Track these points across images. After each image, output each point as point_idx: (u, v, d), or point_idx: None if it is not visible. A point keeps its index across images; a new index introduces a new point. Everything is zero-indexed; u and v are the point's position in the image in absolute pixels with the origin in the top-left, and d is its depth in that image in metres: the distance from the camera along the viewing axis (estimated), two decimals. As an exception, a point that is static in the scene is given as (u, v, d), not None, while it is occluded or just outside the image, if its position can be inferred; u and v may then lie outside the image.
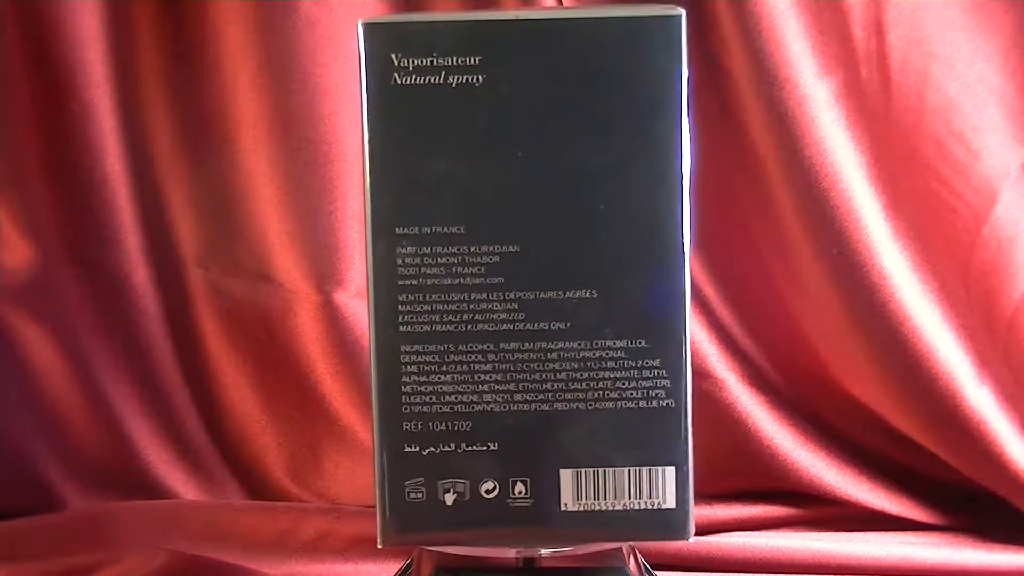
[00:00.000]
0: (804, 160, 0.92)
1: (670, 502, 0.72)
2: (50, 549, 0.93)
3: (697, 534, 0.91)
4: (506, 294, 0.70)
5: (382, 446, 0.71)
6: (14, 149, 0.98)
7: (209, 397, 1.01)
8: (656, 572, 0.79)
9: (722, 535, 0.92)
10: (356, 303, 0.97)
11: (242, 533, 0.94)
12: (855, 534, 0.94)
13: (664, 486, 0.72)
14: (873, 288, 0.92)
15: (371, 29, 0.68)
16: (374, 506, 0.78)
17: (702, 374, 0.96)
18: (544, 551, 0.74)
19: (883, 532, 0.95)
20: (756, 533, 0.94)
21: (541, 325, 0.71)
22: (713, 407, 0.96)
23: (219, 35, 0.97)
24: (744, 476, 0.96)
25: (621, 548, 0.75)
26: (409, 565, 0.78)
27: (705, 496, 0.97)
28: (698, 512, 0.95)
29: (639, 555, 0.77)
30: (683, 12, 0.70)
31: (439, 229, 0.69)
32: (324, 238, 0.98)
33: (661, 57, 0.70)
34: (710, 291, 0.98)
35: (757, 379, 0.98)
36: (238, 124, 0.98)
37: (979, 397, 0.92)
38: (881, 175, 0.93)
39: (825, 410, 0.99)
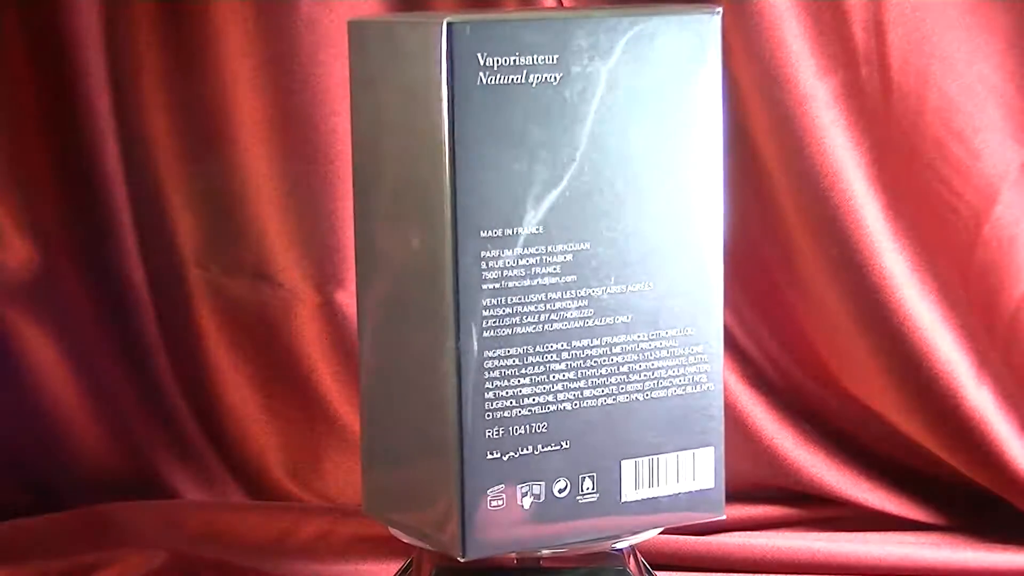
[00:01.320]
0: (804, 160, 0.92)
1: (709, 482, 0.74)
2: (50, 549, 0.93)
3: (697, 534, 0.91)
4: (578, 292, 0.71)
5: (463, 457, 0.69)
6: (14, 149, 0.98)
7: (209, 397, 1.01)
8: (656, 572, 0.79)
9: (722, 535, 0.92)
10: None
11: (242, 533, 0.94)
12: (855, 534, 0.94)
13: (705, 467, 0.74)
14: (873, 288, 0.92)
15: (457, 29, 0.67)
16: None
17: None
18: (544, 551, 0.74)
19: (883, 532, 0.95)
20: (756, 533, 0.94)
21: (607, 320, 0.71)
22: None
23: (219, 35, 0.97)
24: (744, 476, 0.96)
25: (622, 548, 0.75)
26: (409, 565, 0.78)
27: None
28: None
29: (639, 555, 0.77)
30: (721, 10, 0.72)
31: (520, 230, 0.69)
32: (324, 238, 0.98)
33: (702, 54, 0.72)
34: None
35: (757, 379, 0.98)
36: (238, 124, 0.98)
37: (979, 397, 0.92)
38: (881, 175, 0.93)
39: (825, 410, 0.99)
